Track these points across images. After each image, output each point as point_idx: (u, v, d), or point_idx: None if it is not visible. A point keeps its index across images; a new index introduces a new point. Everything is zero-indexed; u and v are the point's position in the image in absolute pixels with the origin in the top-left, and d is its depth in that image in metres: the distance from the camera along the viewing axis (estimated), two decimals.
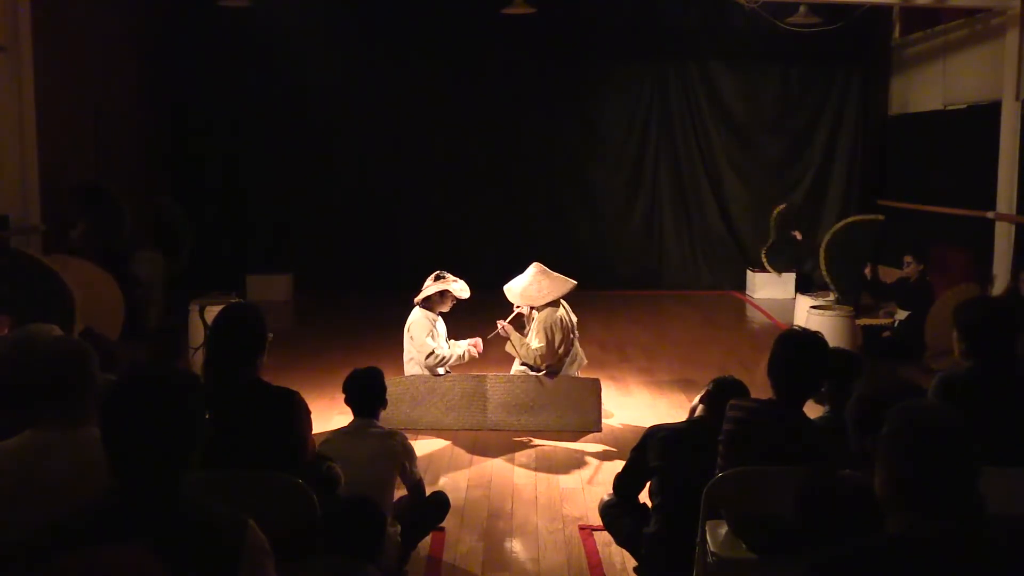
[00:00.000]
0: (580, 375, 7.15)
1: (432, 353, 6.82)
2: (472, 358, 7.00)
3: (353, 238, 12.82)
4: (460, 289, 6.85)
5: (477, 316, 7.50)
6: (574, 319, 6.95)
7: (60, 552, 1.84)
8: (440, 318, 6.99)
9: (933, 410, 2.17)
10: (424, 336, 6.83)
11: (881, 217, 10.29)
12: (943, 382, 3.64)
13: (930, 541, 2.00)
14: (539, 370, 6.85)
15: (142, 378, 2.20)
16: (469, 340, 7.07)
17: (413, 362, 6.94)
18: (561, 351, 6.79)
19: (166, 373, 2.23)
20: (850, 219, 10.35)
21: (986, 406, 3.43)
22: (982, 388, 3.57)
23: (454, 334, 7.27)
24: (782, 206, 12.58)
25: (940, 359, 7.32)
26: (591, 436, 6.74)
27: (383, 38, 12.33)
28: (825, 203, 13.07)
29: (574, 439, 6.66)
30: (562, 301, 6.80)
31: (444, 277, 6.86)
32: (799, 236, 12.29)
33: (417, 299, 6.91)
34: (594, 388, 6.95)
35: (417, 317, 6.89)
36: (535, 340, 6.75)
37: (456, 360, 6.93)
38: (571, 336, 6.89)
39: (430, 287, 6.84)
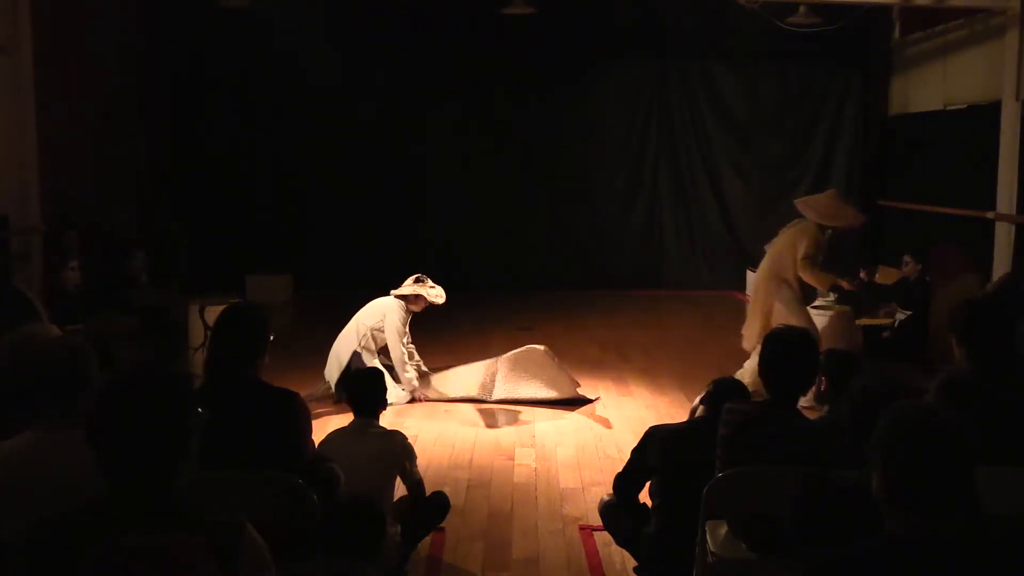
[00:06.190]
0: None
1: (406, 343, 7.31)
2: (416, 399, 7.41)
3: (353, 238, 12.81)
4: (436, 295, 7.32)
5: (476, 315, 7.49)
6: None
7: (81, 543, 1.84)
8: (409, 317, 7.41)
9: (928, 410, 2.17)
10: (400, 326, 7.26)
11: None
12: (944, 383, 3.63)
13: (930, 541, 2.00)
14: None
15: (130, 380, 2.18)
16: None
17: (362, 345, 7.28)
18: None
19: (155, 374, 2.20)
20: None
21: (987, 406, 3.42)
22: (983, 388, 3.56)
23: (455, 334, 7.29)
24: None
25: (943, 358, 7.30)
26: (591, 436, 6.74)
27: (383, 38, 12.32)
28: None
29: (574, 439, 6.67)
30: None
31: (423, 281, 7.31)
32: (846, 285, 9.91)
33: (395, 292, 7.32)
34: (544, 356, 7.44)
35: (395, 307, 7.29)
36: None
37: (408, 383, 7.32)
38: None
39: (408, 286, 7.30)
